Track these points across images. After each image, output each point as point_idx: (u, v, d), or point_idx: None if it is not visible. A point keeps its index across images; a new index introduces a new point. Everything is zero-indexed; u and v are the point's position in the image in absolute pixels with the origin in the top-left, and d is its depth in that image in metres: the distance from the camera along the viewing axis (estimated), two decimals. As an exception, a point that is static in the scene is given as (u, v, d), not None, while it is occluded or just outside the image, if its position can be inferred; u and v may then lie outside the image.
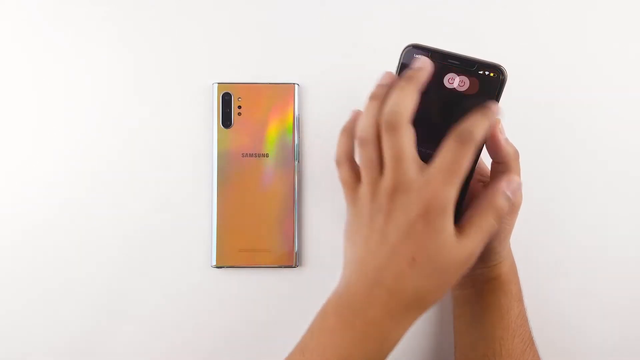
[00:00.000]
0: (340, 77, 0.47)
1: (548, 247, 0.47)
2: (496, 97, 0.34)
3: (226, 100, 0.46)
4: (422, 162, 0.33)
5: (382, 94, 0.34)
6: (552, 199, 0.47)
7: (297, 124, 0.46)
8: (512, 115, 0.48)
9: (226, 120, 0.46)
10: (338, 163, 0.36)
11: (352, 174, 0.35)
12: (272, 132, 0.46)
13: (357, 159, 0.35)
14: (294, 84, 0.46)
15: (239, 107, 0.46)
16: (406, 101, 0.32)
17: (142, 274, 0.47)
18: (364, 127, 0.33)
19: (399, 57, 0.36)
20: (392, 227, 0.32)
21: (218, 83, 0.46)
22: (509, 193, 0.33)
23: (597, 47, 0.48)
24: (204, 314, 0.47)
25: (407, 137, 0.32)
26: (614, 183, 0.47)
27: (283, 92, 0.46)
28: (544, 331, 0.47)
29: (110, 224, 0.47)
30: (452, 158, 0.31)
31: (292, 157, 0.46)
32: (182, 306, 0.47)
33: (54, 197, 0.47)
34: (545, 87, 0.47)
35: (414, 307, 0.33)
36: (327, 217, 0.47)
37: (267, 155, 0.46)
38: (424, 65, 0.34)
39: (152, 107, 0.47)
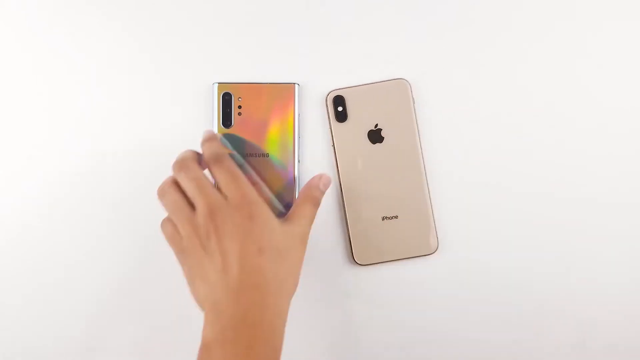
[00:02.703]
0: (341, 76, 0.47)
1: (549, 247, 0.48)
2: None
3: (226, 100, 0.46)
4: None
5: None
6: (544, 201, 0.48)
7: (297, 124, 0.46)
8: (507, 115, 0.48)
9: (226, 120, 0.46)
10: (162, 225, 0.41)
11: (174, 228, 0.40)
12: (273, 132, 0.46)
13: (168, 213, 0.40)
14: (294, 83, 0.46)
15: (239, 107, 0.46)
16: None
17: (142, 274, 0.47)
18: (162, 186, 0.40)
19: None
20: (227, 238, 0.37)
21: (218, 83, 0.46)
22: (321, 187, 0.43)
23: (597, 49, 0.48)
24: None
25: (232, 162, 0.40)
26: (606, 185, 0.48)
27: (283, 92, 0.46)
28: (553, 330, 0.47)
29: (111, 224, 0.47)
30: (228, 172, 0.39)
31: (293, 157, 0.46)
32: (182, 305, 0.47)
33: (53, 197, 0.47)
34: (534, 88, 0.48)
35: (284, 292, 0.39)
36: (327, 217, 0.47)
37: (267, 155, 0.46)
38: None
39: (153, 107, 0.47)
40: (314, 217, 0.42)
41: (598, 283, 0.47)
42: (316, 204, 0.42)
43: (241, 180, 0.39)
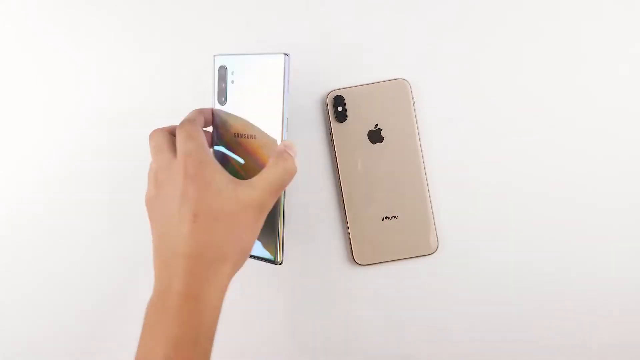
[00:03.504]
0: (341, 77, 0.47)
1: (551, 246, 0.48)
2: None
3: (221, 75, 0.42)
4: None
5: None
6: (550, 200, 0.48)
7: (285, 99, 0.39)
8: (504, 110, 0.48)
9: (221, 96, 0.42)
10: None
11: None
12: (262, 107, 0.40)
13: None
14: (283, 54, 0.39)
15: (232, 81, 0.41)
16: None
17: (143, 273, 0.47)
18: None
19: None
20: (168, 200, 0.35)
21: (215, 55, 0.42)
22: (290, 152, 0.37)
23: (594, 47, 0.48)
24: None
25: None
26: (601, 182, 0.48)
27: (272, 63, 0.39)
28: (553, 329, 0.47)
29: (110, 223, 0.47)
30: (184, 132, 0.37)
31: (281, 135, 0.39)
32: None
33: (53, 197, 0.47)
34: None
35: (218, 261, 0.34)
36: (327, 218, 0.47)
37: (254, 137, 0.40)
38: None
39: (154, 106, 0.47)
40: (280, 184, 0.37)
41: (598, 283, 0.47)
42: (287, 169, 0.37)
43: (194, 141, 0.36)
